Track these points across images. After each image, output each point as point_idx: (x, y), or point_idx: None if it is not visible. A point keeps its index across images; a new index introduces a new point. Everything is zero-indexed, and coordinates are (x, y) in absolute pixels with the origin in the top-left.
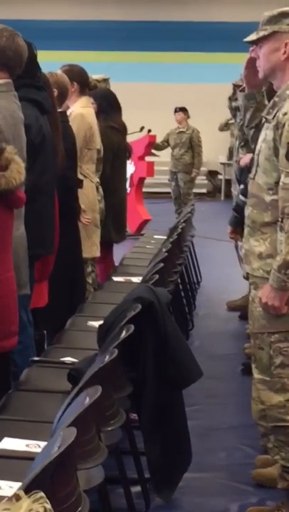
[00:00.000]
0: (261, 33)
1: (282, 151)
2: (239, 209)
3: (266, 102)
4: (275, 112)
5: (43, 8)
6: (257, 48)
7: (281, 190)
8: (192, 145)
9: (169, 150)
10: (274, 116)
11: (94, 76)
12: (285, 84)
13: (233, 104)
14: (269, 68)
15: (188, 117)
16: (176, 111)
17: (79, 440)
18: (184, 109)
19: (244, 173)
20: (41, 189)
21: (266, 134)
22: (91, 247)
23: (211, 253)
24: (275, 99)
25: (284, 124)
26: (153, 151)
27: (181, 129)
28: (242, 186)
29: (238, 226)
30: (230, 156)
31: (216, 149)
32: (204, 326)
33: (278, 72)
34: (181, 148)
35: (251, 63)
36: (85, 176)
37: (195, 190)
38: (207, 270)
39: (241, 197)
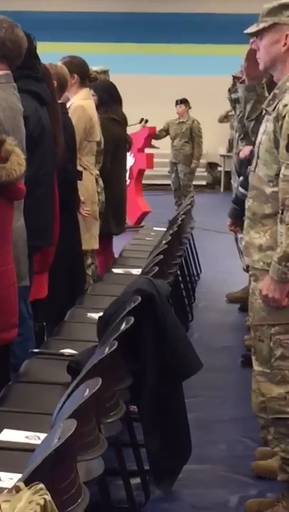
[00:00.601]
0: (261, 25)
1: (282, 143)
2: (239, 201)
3: (266, 94)
4: (275, 103)
5: None
6: (257, 40)
7: (281, 182)
8: (192, 135)
9: (168, 142)
10: (274, 108)
11: (94, 67)
12: (286, 76)
13: (233, 96)
14: (269, 60)
15: (190, 108)
16: (177, 103)
17: (79, 432)
18: (185, 101)
19: (244, 165)
20: (40, 181)
21: (266, 125)
22: (90, 239)
23: (211, 245)
24: (276, 91)
25: (284, 115)
26: (152, 142)
27: (181, 120)
28: (241, 178)
29: (237, 218)
30: (230, 148)
31: (215, 141)
32: (204, 318)
33: (279, 63)
34: (181, 139)
35: (251, 55)
36: (84, 168)
37: (194, 182)
38: (207, 262)
39: (241, 189)
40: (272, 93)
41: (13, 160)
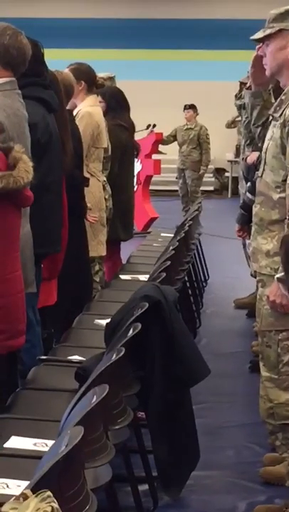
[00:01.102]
0: (268, 31)
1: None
2: (246, 207)
3: (273, 100)
4: (282, 109)
5: (49, 6)
6: (264, 46)
7: (288, 188)
8: (200, 142)
9: (176, 148)
10: (281, 114)
11: (99, 74)
12: None
13: (238, 102)
14: (276, 66)
15: (197, 114)
16: (185, 108)
17: (86, 439)
18: (193, 107)
19: (251, 171)
20: (48, 188)
21: (273, 131)
22: (97, 246)
23: (219, 251)
24: (282, 97)
25: None
26: (160, 148)
27: (189, 126)
28: (249, 184)
29: (245, 224)
30: (237, 154)
31: (223, 147)
32: (212, 324)
33: (285, 69)
34: (189, 145)
35: (258, 61)
36: (91, 175)
37: (202, 188)
38: (214, 268)
39: (249, 195)
40: (278, 99)
41: (21, 167)
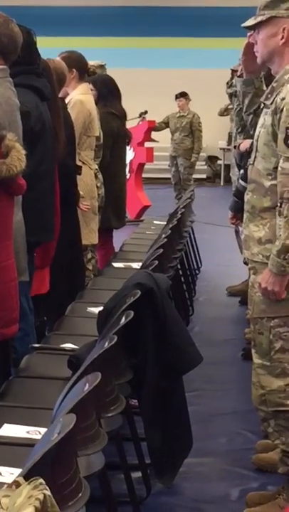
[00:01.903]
0: (259, 18)
1: (280, 136)
2: (239, 194)
3: (264, 88)
4: (273, 97)
5: None
6: (255, 34)
7: (280, 175)
8: (192, 130)
9: (168, 136)
10: (272, 101)
11: (90, 62)
12: (283, 69)
13: (229, 90)
14: (267, 53)
15: (190, 100)
16: (177, 97)
17: (79, 426)
18: (184, 94)
19: (244, 158)
20: (41, 176)
21: (265, 119)
22: (89, 234)
23: (211, 238)
24: (273, 84)
25: (282, 108)
26: (152, 135)
27: (181, 114)
28: (242, 171)
29: (238, 211)
30: (229, 142)
31: (215, 135)
32: (204, 311)
33: (276, 57)
34: (181, 133)
35: (249, 49)
36: (83, 163)
37: (194, 176)
38: (207, 256)
39: (241, 182)
40: (270, 86)
41: (14, 155)
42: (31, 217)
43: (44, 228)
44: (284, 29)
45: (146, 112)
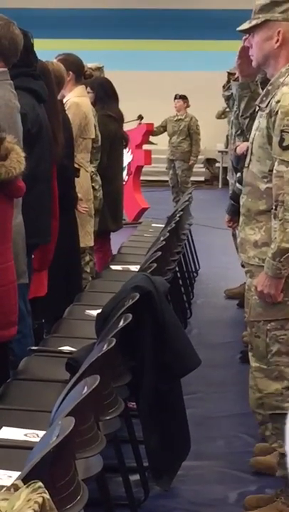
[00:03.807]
0: (254, 22)
1: (275, 139)
2: (236, 197)
3: (260, 91)
4: (268, 100)
5: None
6: (250, 37)
7: (275, 178)
8: (190, 133)
9: (166, 138)
10: (267, 104)
11: (88, 64)
12: (278, 72)
13: (226, 93)
14: (262, 57)
15: (188, 106)
16: (176, 98)
17: (77, 429)
18: (184, 97)
19: (241, 161)
20: (38, 178)
21: (260, 122)
22: (85, 237)
23: (209, 241)
24: (268, 87)
25: (277, 111)
26: (150, 138)
27: (179, 117)
28: (239, 174)
29: (235, 214)
30: (227, 144)
31: (213, 137)
32: (202, 314)
33: (271, 60)
34: (179, 136)
35: (244, 52)
36: (79, 165)
37: (193, 178)
38: (205, 258)
39: (238, 185)
40: (265, 89)
41: (13, 158)
42: (28, 220)
43: (41, 231)
44: (279, 32)
45: (142, 118)
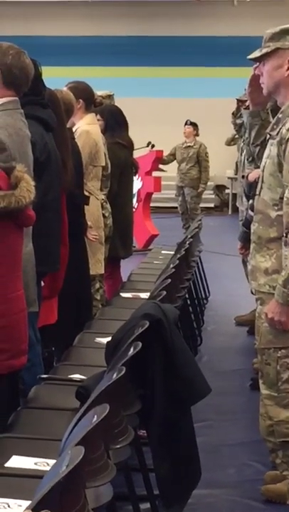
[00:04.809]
0: (264, 50)
1: (286, 167)
2: (248, 224)
3: (271, 120)
4: (279, 128)
5: (47, 24)
6: (260, 65)
7: (285, 205)
8: (199, 160)
9: (175, 165)
10: (278, 132)
11: (98, 92)
12: None
13: (238, 121)
14: (273, 85)
15: (197, 134)
16: (186, 123)
17: (87, 458)
18: (194, 124)
19: (253, 188)
20: (47, 206)
21: (270, 149)
22: (95, 264)
23: (219, 268)
24: (279, 115)
25: (288, 139)
26: (160, 166)
27: (188, 144)
28: (251, 201)
29: (247, 241)
30: (237, 171)
31: (223, 164)
32: (213, 341)
33: (282, 88)
34: (188, 163)
35: (255, 81)
36: (90, 193)
37: (202, 205)
38: (215, 285)
39: (250, 212)
40: (275, 117)
41: (23, 187)
42: (37, 248)
43: (50, 259)
44: None
45: (153, 146)
